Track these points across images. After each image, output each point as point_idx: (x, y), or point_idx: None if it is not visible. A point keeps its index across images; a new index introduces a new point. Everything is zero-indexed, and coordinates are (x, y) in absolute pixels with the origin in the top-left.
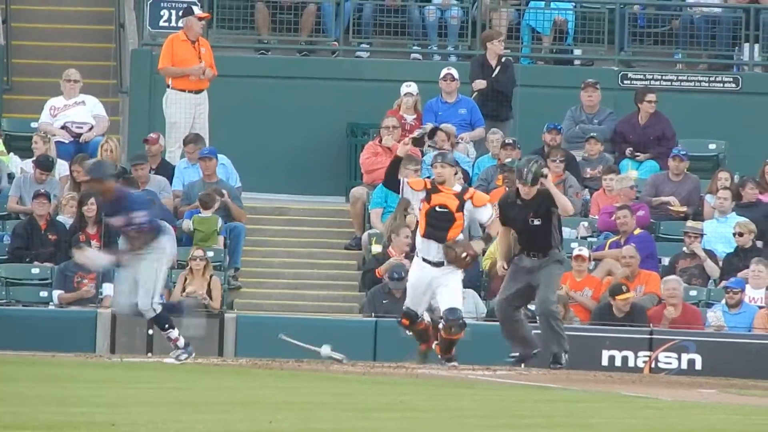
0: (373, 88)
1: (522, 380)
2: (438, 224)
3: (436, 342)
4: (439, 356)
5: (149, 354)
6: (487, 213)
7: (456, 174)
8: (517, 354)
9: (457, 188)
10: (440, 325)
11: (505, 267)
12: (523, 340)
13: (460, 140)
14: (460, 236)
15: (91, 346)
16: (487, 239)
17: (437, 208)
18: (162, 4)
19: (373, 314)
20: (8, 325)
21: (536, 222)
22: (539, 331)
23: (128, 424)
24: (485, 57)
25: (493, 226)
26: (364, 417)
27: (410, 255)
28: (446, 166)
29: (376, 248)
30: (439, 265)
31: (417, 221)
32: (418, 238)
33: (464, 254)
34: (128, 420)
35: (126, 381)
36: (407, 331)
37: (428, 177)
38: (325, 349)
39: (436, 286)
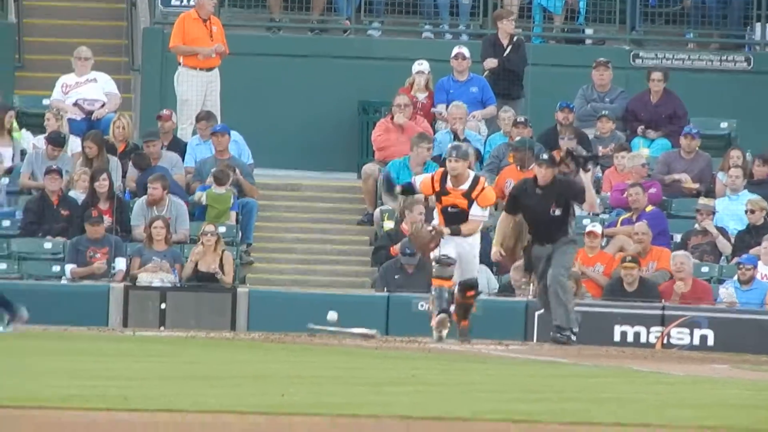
0: (385, 67)
1: (534, 355)
2: (455, 220)
3: (453, 308)
4: (457, 325)
5: (162, 328)
6: (481, 212)
7: (469, 166)
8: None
9: (465, 186)
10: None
11: (502, 254)
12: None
13: (472, 118)
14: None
15: (104, 320)
16: (456, 232)
17: (449, 209)
18: None
19: (385, 289)
20: (21, 300)
21: (557, 213)
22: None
23: (141, 398)
24: (497, 36)
25: (470, 224)
26: (376, 391)
27: None
28: (460, 160)
29: (388, 224)
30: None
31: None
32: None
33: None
34: (141, 393)
35: (138, 355)
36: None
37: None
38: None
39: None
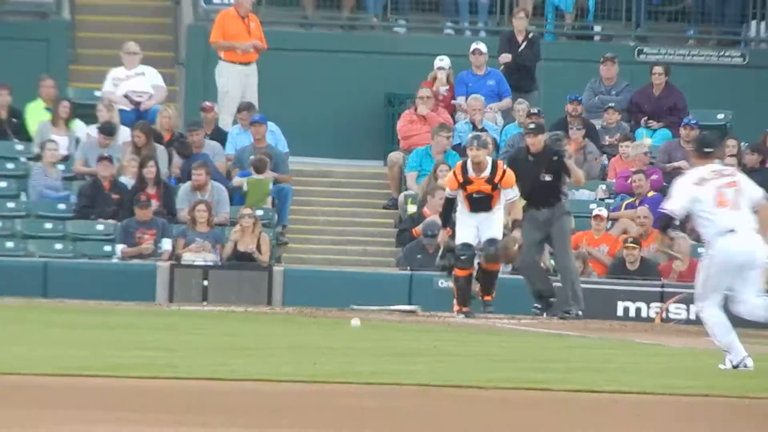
0: (409, 61)
1: (544, 329)
2: (480, 204)
3: (477, 281)
4: (481, 298)
5: (205, 303)
6: (512, 193)
7: (488, 153)
8: (539, 305)
9: (487, 172)
10: (480, 258)
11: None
12: (545, 281)
13: (489, 109)
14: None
15: (151, 296)
16: (518, 225)
17: (474, 195)
18: None
19: (408, 268)
20: (75, 277)
21: (547, 178)
22: (559, 285)
23: (186, 367)
24: (513, 33)
25: (514, 208)
26: (400, 361)
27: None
28: (481, 148)
29: (412, 208)
30: (487, 210)
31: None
32: (463, 209)
33: (517, 246)
34: (186, 363)
35: (183, 328)
36: (459, 277)
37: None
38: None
39: (481, 223)
